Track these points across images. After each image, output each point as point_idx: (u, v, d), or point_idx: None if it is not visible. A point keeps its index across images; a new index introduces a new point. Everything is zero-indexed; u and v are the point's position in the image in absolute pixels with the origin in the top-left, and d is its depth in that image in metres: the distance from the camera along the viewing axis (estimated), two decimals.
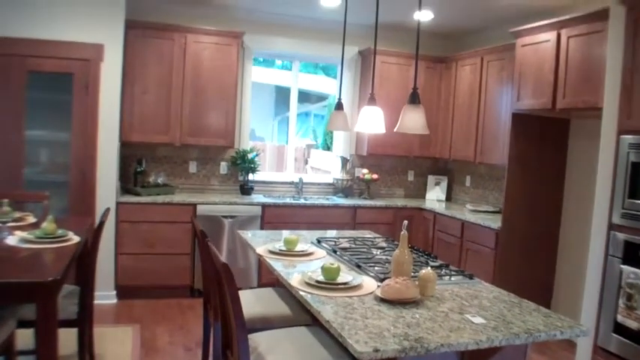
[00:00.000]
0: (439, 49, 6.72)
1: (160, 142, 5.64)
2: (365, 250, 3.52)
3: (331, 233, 4.20)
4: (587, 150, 5.00)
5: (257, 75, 6.50)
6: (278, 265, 3.06)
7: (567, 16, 4.46)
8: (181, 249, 5.45)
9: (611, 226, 3.95)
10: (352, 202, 6.13)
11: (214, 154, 6.15)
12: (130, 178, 5.67)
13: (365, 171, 6.53)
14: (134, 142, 5.56)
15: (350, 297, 2.55)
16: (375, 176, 6.49)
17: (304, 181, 6.47)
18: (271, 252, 3.31)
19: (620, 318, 3.79)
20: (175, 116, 5.60)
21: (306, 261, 3.20)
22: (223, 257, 5.48)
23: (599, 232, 4.07)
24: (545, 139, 5.21)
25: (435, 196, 6.86)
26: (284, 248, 3.34)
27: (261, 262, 5.63)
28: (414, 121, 2.83)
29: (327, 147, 9.02)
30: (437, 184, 6.90)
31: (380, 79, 6.29)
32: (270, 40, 6.22)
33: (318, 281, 2.68)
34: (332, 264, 2.72)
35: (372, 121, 3.30)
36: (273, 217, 5.74)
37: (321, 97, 10.62)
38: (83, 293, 3.34)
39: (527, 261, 5.22)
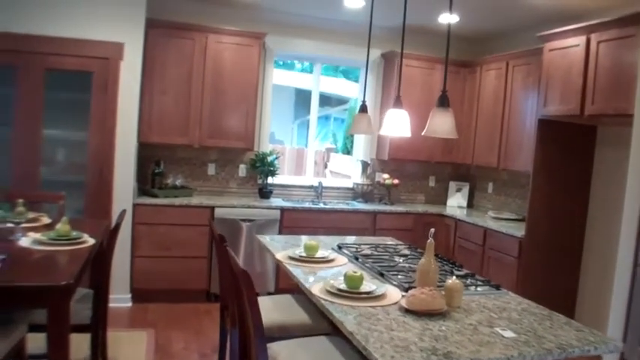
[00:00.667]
0: (463, 53, 6.59)
1: (178, 143, 5.57)
2: (387, 257, 3.40)
3: (351, 239, 4.09)
4: (615, 158, 4.86)
5: (277, 77, 6.40)
6: (298, 272, 2.96)
7: (597, 21, 4.31)
8: (198, 252, 5.37)
9: None
10: (372, 208, 6.01)
11: (233, 156, 6.07)
12: (148, 180, 5.61)
13: (386, 176, 6.41)
14: (152, 143, 5.50)
15: (373, 307, 2.43)
16: (395, 181, 6.37)
17: (324, 185, 6.36)
18: (291, 258, 3.21)
19: None
20: (195, 117, 5.53)
21: (326, 268, 3.09)
22: (240, 261, 5.40)
23: (627, 241, 3.92)
24: (571, 147, 5.05)
25: (456, 203, 6.72)
26: (304, 254, 3.24)
27: (279, 267, 5.53)
28: (442, 124, 2.71)
29: (347, 151, 8.92)
30: (458, 190, 6.76)
31: (403, 82, 6.12)
32: (292, 41, 6.13)
33: (340, 290, 2.57)
34: (355, 272, 2.61)
35: (397, 125, 3.19)
36: (291, 222, 5.64)
37: (341, 101, 10.53)
38: (97, 297, 3.26)
39: (551, 270, 5.06)
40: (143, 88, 5.29)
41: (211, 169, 6.02)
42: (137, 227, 5.19)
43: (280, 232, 5.58)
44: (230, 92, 5.63)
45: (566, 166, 5.05)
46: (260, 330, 2.19)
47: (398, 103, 3.25)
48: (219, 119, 5.62)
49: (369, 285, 2.64)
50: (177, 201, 5.34)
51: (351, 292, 2.54)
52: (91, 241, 3.27)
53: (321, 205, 5.95)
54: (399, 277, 2.91)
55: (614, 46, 4.17)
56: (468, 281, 3.00)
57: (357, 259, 3.30)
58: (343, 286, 2.59)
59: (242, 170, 6.11)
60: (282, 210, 5.63)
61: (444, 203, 6.81)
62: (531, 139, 5.20)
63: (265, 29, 5.79)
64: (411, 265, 3.20)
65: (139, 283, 5.24)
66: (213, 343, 4.36)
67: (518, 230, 5.05)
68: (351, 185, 6.51)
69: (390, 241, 4.07)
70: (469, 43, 6.66)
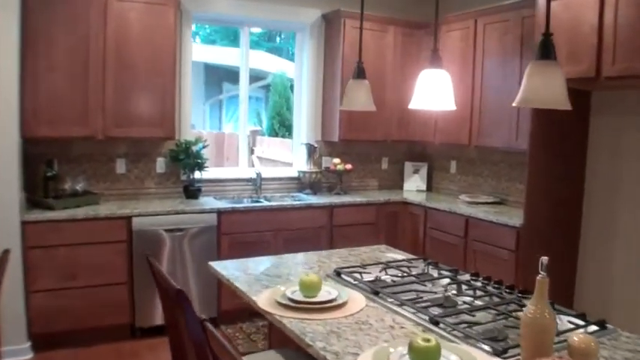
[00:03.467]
0: (416, 12, 5.63)
1: (76, 135, 4.22)
2: (414, 284, 2.38)
3: (341, 254, 2.99)
4: (613, 127, 4.16)
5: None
6: (309, 334, 1.85)
7: None
8: (114, 277, 4.10)
9: None
10: (327, 200, 4.97)
11: (148, 148, 4.79)
12: (39, 187, 4.22)
13: (337, 160, 5.37)
14: (41, 138, 4.11)
15: None
16: (348, 166, 5.36)
17: (262, 176, 5.21)
18: (283, 305, 2.10)
19: None
20: (95, 100, 4.21)
21: (344, 317, 2.01)
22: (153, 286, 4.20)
23: None
24: (565, 116, 4.23)
25: (414, 186, 5.82)
26: (301, 297, 2.14)
27: (220, 286, 4.38)
28: (544, 88, 1.68)
29: (275, 133, 7.80)
30: (415, 171, 5.86)
31: (351, 47, 5.15)
32: (214, 0, 4.91)
33: None
34: (427, 340, 1.56)
35: (437, 92, 2.13)
36: (231, 226, 4.50)
37: (256, 77, 9.32)
38: None
39: (551, 263, 4.26)
40: (24, 64, 3.90)
41: (121, 167, 4.71)
42: (29, 252, 3.84)
43: (219, 242, 4.43)
44: (140, 66, 4.35)
45: (562, 138, 4.24)
46: None
47: (437, 59, 2.19)
48: (128, 102, 4.33)
49: (450, 358, 1.60)
50: (80, 212, 4.03)
51: None
52: None
53: (266, 203, 4.84)
54: (464, 326, 1.90)
55: None
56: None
57: (376, 293, 2.25)
58: None
59: (160, 165, 4.85)
60: (219, 213, 4.46)
61: (401, 187, 5.89)
62: (514, 110, 4.38)
63: None
64: (456, 296, 2.20)
65: (40, 327, 3.90)
66: None
67: (506, 216, 4.29)
68: (294, 174, 5.42)
69: (389, 252, 3.05)
70: (422, 2, 5.70)
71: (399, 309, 2.07)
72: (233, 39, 10.96)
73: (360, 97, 2.57)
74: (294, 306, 2.06)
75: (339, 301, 2.10)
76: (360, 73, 2.63)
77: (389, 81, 5.33)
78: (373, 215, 5.09)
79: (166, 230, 4.26)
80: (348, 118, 5.15)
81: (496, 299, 2.21)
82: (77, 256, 3.96)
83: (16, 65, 3.77)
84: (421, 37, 5.48)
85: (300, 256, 2.88)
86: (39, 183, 4.22)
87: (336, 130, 5.23)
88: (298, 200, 5.05)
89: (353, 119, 5.16)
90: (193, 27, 4.90)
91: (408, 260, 2.75)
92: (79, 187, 4.38)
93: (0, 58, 3.66)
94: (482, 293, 2.27)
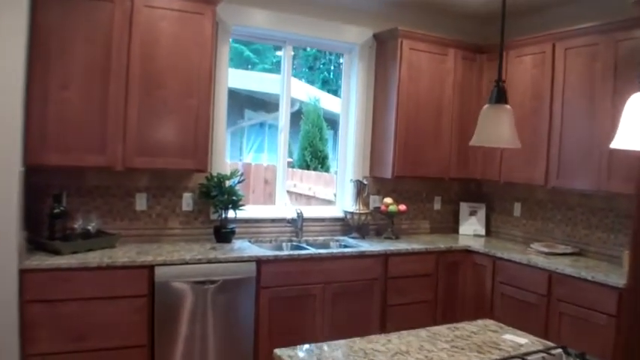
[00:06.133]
0: (479, 35, 5.01)
1: (90, 164, 3.53)
2: None
3: (445, 336, 2.22)
4: None
5: None
6: None
7: None
8: (132, 339, 3.35)
9: None
10: (381, 247, 4.24)
11: (173, 181, 4.09)
12: (44, 226, 3.52)
13: (389, 200, 4.66)
14: (48, 166, 3.41)
15: None
16: (402, 207, 4.65)
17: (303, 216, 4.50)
18: None
19: None
20: (116, 124, 3.52)
21: None
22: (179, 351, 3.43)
23: None
24: None
25: (471, 230, 5.10)
26: None
27: (256, 356, 3.64)
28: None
29: (307, 165, 7.11)
30: (472, 213, 5.14)
31: (408, 71, 4.51)
32: (254, 13, 4.27)
33: None
34: None
35: None
36: (272, 278, 3.76)
37: (278, 105, 8.71)
38: None
39: None
40: (31, 78, 3.23)
41: (141, 203, 4.00)
42: (28, 307, 3.10)
43: (257, 297, 3.70)
44: (170, 85, 3.67)
45: None
46: None
47: None
48: (155, 127, 3.65)
49: None
50: (92, 259, 3.31)
51: None
52: None
53: (312, 250, 4.12)
54: None
55: None
56: None
57: None
58: None
59: (187, 202, 4.15)
60: (259, 262, 3.73)
61: (455, 231, 5.16)
62: (604, 149, 3.72)
63: None
64: None
65: None
66: None
67: (599, 272, 3.66)
68: (338, 214, 4.71)
69: (503, 332, 2.30)
70: (485, 23, 5.05)
71: None
72: (252, 66, 10.39)
73: (502, 130, 1.87)
74: None
75: None
76: (500, 96, 1.92)
77: (446, 110, 4.68)
78: (431, 265, 4.37)
79: (195, 282, 3.53)
80: (404, 152, 4.48)
81: None
82: (87, 312, 3.23)
83: (22, 80, 3.10)
84: (483, 63, 4.84)
85: (394, 341, 2.13)
86: (44, 221, 3.52)
87: (389, 165, 4.53)
88: (346, 246, 4.34)
89: (408, 153, 4.50)
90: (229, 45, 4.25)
91: (545, 350, 2.01)
92: (92, 226, 3.67)
93: (3, 70, 2.99)
94: None
